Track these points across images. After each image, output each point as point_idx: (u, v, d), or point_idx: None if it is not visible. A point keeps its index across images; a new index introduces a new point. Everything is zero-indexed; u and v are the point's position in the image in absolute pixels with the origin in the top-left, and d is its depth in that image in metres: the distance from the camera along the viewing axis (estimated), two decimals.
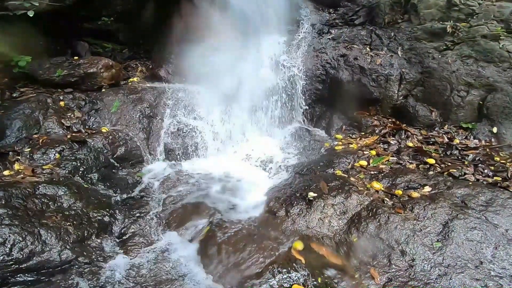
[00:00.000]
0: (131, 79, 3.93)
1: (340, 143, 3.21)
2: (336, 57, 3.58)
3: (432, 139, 3.00)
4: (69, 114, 3.23)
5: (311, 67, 3.63)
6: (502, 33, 2.95)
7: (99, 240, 2.20)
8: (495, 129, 2.94)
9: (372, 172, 2.65)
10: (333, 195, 2.39)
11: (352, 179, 2.58)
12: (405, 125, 3.25)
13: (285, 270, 1.89)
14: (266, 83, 3.63)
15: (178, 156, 3.25)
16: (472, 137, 2.98)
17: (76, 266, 2.00)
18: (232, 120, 3.50)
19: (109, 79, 3.60)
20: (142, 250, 2.20)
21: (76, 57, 3.75)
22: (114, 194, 2.63)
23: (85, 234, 2.17)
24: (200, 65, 3.62)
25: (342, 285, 1.81)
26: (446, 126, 3.13)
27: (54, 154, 2.70)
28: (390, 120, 3.33)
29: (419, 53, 3.35)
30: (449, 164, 2.64)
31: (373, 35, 3.58)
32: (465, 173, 2.51)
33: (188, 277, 2.04)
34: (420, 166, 2.69)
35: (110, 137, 2.99)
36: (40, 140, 2.86)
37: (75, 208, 2.30)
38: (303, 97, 3.64)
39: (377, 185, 2.45)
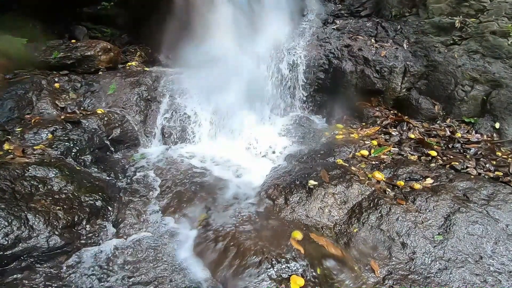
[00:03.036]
0: (129, 63, 3.75)
1: (341, 132, 3.09)
2: (340, 47, 3.43)
3: (434, 132, 2.89)
4: (64, 95, 3.06)
5: (314, 56, 3.48)
6: None
7: (90, 226, 2.06)
8: (497, 125, 2.84)
9: (373, 162, 2.54)
10: (334, 184, 2.28)
11: (353, 168, 2.46)
12: (407, 117, 3.14)
13: (283, 260, 1.79)
14: (267, 71, 3.47)
15: (175, 140, 3.11)
16: (474, 131, 2.88)
17: (65, 253, 1.87)
18: (231, 106, 3.35)
19: (107, 62, 3.42)
20: (136, 237, 2.07)
21: (73, 41, 3.56)
22: (108, 178, 2.49)
23: (76, 219, 2.03)
24: (200, 50, 3.45)
25: (341, 277, 1.71)
26: (448, 119, 3.02)
27: (47, 134, 2.54)
28: (392, 111, 3.22)
29: (425, 47, 3.21)
30: (451, 157, 2.54)
31: (379, 27, 3.43)
32: (467, 167, 2.41)
33: (184, 264, 1.92)
34: (421, 157, 2.58)
35: (106, 118, 2.83)
36: (33, 120, 2.70)
37: (66, 191, 2.15)
38: (305, 86, 3.50)
39: (378, 175, 2.34)
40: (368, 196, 2.18)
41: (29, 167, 2.16)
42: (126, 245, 1.98)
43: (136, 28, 4.15)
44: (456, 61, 3.05)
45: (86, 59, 3.31)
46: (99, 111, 2.88)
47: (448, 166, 2.44)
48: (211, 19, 3.53)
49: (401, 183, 2.27)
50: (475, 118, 2.97)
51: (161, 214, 2.28)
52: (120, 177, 2.55)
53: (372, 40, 3.39)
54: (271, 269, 1.76)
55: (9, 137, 2.46)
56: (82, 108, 2.98)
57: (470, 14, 3.10)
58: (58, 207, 2.00)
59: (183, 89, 3.31)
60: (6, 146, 2.37)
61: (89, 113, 2.87)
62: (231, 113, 3.38)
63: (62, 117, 2.76)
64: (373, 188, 2.23)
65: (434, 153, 2.58)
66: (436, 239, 1.89)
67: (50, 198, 2.04)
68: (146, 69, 3.54)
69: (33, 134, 2.53)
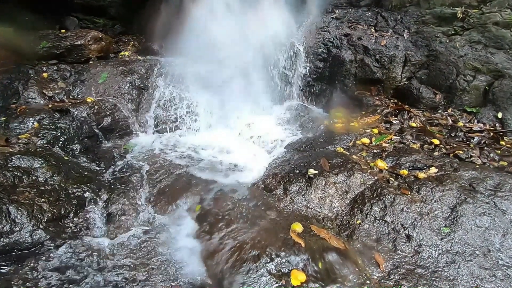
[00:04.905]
0: (122, 53, 3.51)
1: (340, 121, 2.92)
2: (339, 36, 3.24)
3: (436, 121, 2.74)
4: (52, 85, 2.83)
5: (312, 45, 3.29)
6: None
7: (78, 219, 1.87)
8: (500, 115, 2.69)
9: (375, 151, 2.38)
10: (335, 172, 2.12)
11: (354, 157, 2.30)
12: (407, 106, 2.98)
13: (283, 254, 1.62)
14: (264, 59, 3.28)
15: (168, 129, 2.91)
16: (476, 121, 2.74)
17: (51, 248, 1.68)
18: (227, 95, 3.16)
19: (98, 51, 3.19)
20: (126, 230, 1.89)
21: (63, 31, 3.32)
22: (98, 168, 2.29)
23: (62, 212, 1.84)
24: (196, 39, 3.23)
25: (344, 271, 1.55)
26: (450, 109, 2.87)
27: (33, 123, 2.33)
28: (392, 101, 3.05)
29: (426, 37, 3.05)
30: (455, 145, 2.39)
31: (379, 17, 3.25)
32: (471, 156, 2.26)
33: (177, 257, 1.75)
34: (424, 146, 2.43)
35: (96, 107, 2.61)
36: (18, 110, 2.48)
37: (52, 182, 1.96)
38: (303, 75, 3.31)
39: (381, 163, 2.18)
40: (371, 185, 2.03)
41: (13, 157, 1.95)
42: (117, 238, 1.80)
43: (129, 18, 3.91)
44: (458, 51, 2.89)
45: (76, 48, 3.07)
46: (88, 100, 2.67)
47: (452, 155, 2.29)
48: (207, 8, 3.31)
49: (404, 172, 2.11)
50: (477, 108, 2.82)
51: (153, 205, 2.09)
52: (111, 167, 2.35)
53: (372, 29, 3.20)
54: (270, 263, 1.59)
55: None
56: (71, 97, 2.76)
57: (473, 5, 2.94)
58: (43, 199, 1.80)
59: (178, 78, 3.10)
60: None
61: (78, 101, 2.66)
62: (227, 102, 3.18)
63: (50, 106, 2.54)
64: (375, 178, 2.07)
65: (437, 142, 2.43)
66: (442, 231, 1.74)
67: (35, 189, 1.85)
68: (139, 58, 3.31)
69: (18, 123, 2.32)
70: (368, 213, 1.87)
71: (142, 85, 2.98)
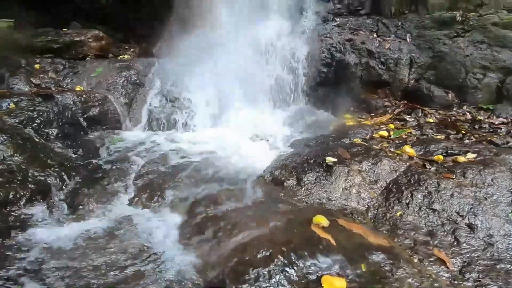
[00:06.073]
0: (121, 56, 3.26)
1: (350, 121, 2.57)
2: (342, 42, 3.08)
3: (453, 117, 2.42)
4: (42, 75, 2.48)
5: (315, 50, 3.10)
6: None
7: (31, 206, 1.34)
8: None
9: (396, 141, 1.98)
10: (358, 160, 1.68)
11: (375, 146, 1.89)
12: (419, 106, 2.68)
13: (306, 253, 1.10)
14: (267, 63, 3.05)
15: (162, 127, 2.49)
16: (494, 116, 2.43)
17: None
18: (228, 96, 2.83)
19: (97, 50, 2.92)
20: (94, 222, 1.36)
21: (65, 29, 3.10)
22: (74, 155, 1.81)
23: (11, 197, 1.33)
24: (196, 44, 3.03)
25: (398, 274, 1.03)
26: (465, 106, 2.59)
27: (8, 104, 1.91)
28: (402, 102, 2.76)
29: (429, 40, 2.91)
30: (483, 134, 2.02)
31: (380, 24, 3.16)
32: (507, 142, 1.88)
33: (160, 259, 1.20)
34: (450, 136, 2.05)
35: (84, 95, 2.22)
36: None
37: (10, 162, 1.47)
38: (307, 79, 3.06)
39: (409, 149, 1.77)
40: (404, 172, 1.58)
41: None
42: (78, 231, 1.25)
43: (131, 26, 3.76)
44: (463, 51, 2.73)
45: (75, 45, 2.81)
46: (77, 88, 2.30)
47: (485, 142, 1.90)
48: (208, 16, 3.19)
49: (439, 157, 1.69)
50: (492, 105, 2.54)
51: (133, 200, 1.57)
52: (91, 157, 1.86)
53: (374, 35, 3.07)
54: (290, 267, 1.06)
55: None
56: (59, 87, 2.39)
57: (469, 9, 2.87)
58: None
59: (176, 76, 2.79)
60: None
61: (65, 90, 2.28)
62: (228, 103, 2.84)
63: (34, 91, 2.15)
64: (407, 164, 1.64)
65: (463, 132, 2.07)
66: (511, 218, 1.27)
67: None
68: (137, 58, 3.05)
69: None
70: (409, 203, 1.40)
71: (138, 81, 2.65)
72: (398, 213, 1.37)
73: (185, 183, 1.72)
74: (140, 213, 1.47)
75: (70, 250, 1.16)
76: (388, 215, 1.38)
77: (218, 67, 2.93)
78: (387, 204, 1.44)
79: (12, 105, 1.91)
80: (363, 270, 1.05)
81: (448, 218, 1.30)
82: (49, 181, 1.48)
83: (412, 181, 1.50)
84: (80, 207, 1.41)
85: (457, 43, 2.78)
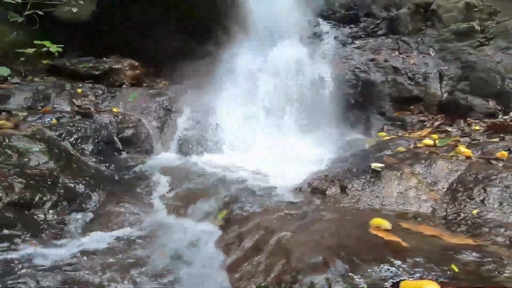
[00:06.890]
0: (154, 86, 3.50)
1: (387, 137, 2.42)
2: (365, 62, 3.13)
3: (502, 123, 2.21)
4: (83, 98, 2.68)
5: (339, 73, 3.15)
6: None
7: (56, 212, 1.28)
8: None
9: (445, 148, 1.80)
10: (408, 163, 1.52)
11: (423, 151, 1.72)
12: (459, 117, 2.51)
13: (371, 257, 0.92)
14: (290, 89, 3.12)
15: (194, 150, 2.49)
16: None
17: None
18: (256, 120, 2.86)
19: (132, 78, 3.18)
20: (120, 233, 1.25)
21: (105, 58, 3.44)
22: (106, 169, 1.79)
23: (36, 199, 1.28)
24: (222, 72, 3.22)
25: (508, 271, 0.80)
26: (511, 113, 2.38)
27: (51, 119, 2.02)
28: (439, 115, 2.62)
29: (453, 52, 2.89)
30: None
31: (399, 42, 3.22)
32: None
33: (199, 272, 1.04)
34: (505, 138, 1.84)
35: (120, 116, 2.32)
36: (42, 110, 2.25)
37: (44, 168, 1.47)
38: (333, 102, 3.04)
39: (465, 149, 1.58)
40: (466, 170, 1.39)
41: (12, 137, 1.55)
42: (107, 238, 1.14)
43: (162, 61, 4.06)
44: (493, 58, 2.65)
45: (113, 72, 3.08)
46: (114, 110, 2.42)
47: None
48: (232, 46, 3.43)
49: (503, 153, 1.49)
50: None
51: (165, 210, 1.47)
52: (122, 171, 1.84)
53: (396, 52, 3.11)
54: (357, 273, 0.87)
55: (11, 118, 1.94)
56: (98, 108, 2.53)
57: (483, 18, 2.87)
58: (19, 179, 1.28)
59: (206, 102, 2.91)
60: (0, 122, 1.82)
61: (103, 110, 2.40)
62: (257, 127, 2.86)
63: (75, 110, 2.29)
64: (467, 163, 1.45)
65: None
66: None
67: (18, 169, 1.35)
68: (169, 87, 3.25)
69: (37, 118, 2.02)
70: (484, 199, 1.18)
71: (169, 106, 2.77)
72: (474, 212, 1.15)
73: (219, 196, 1.62)
74: (174, 222, 1.35)
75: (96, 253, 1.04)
76: (462, 214, 1.16)
77: (245, 93, 3.04)
78: (456, 204, 1.23)
79: (54, 120, 2.02)
80: (456, 271, 0.83)
81: None
82: (78, 189, 1.44)
83: (481, 178, 1.29)
84: (108, 216, 1.32)
85: (483, 52, 2.72)
